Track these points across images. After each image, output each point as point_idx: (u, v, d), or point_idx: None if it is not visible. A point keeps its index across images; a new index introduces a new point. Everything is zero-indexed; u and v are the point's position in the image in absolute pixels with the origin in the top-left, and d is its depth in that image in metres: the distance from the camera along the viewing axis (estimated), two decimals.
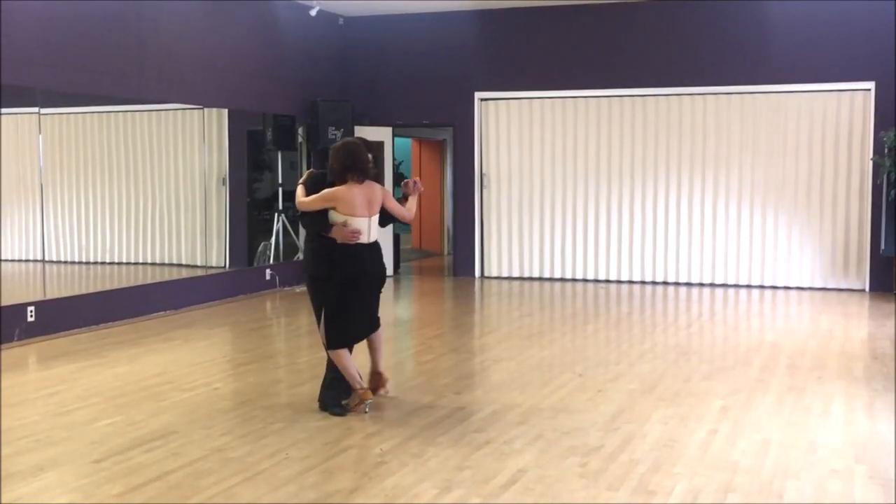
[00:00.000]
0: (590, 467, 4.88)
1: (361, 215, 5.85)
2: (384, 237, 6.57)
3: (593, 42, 12.59)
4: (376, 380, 6.20)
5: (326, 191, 5.86)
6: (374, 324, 6.15)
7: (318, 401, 6.06)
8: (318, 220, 5.90)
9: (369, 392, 5.99)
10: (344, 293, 5.89)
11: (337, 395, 5.99)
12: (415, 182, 6.25)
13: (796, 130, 11.90)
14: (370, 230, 5.93)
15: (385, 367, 6.31)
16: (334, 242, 5.86)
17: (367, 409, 5.94)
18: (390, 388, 6.27)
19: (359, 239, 5.85)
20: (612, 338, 8.85)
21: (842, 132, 11.72)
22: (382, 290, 6.23)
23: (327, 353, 6.05)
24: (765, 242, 12.11)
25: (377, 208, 5.98)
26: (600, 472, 4.81)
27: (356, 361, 6.08)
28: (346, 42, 13.56)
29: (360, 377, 6.02)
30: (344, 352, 5.96)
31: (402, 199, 6.23)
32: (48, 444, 5.31)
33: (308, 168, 12.65)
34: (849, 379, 6.96)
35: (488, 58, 13.08)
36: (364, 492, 4.54)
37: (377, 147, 6.18)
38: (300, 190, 6.02)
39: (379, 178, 6.53)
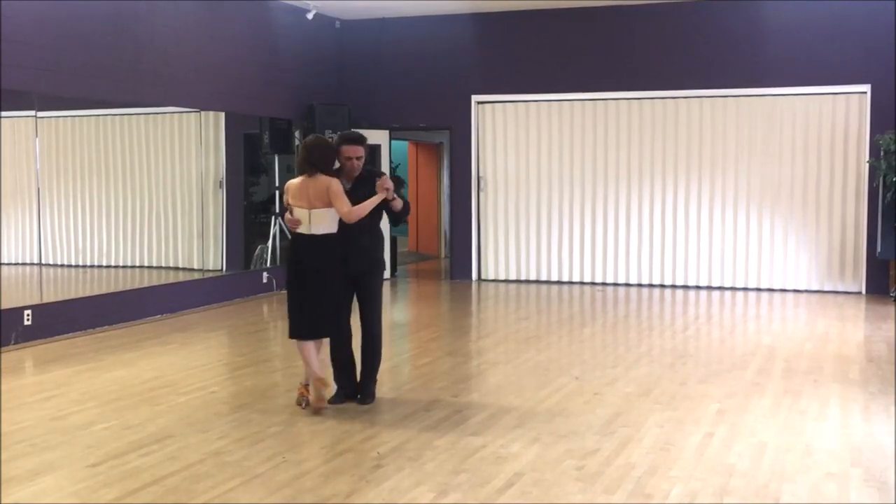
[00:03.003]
0: (586, 471, 4.89)
1: (298, 206, 6.05)
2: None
3: (589, 45, 12.61)
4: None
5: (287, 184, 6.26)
6: (314, 328, 6.13)
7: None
8: None
9: (325, 380, 6.09)
10: (289, 282, 6.19)
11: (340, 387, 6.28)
12: (384, 182, 6.09)
13: (792, 133, 11.93)
14: (311, 222, 6.03)
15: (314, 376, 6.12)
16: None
17: (304, 405, 6.12)
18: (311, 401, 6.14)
19: (297, 228, 6.09)
20: (609, 341, 8.85)
21: (837, 135, 11.74)
22: (327, 293, 6.10)
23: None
24: (761, 245, 12.13)
25: (321, 203, 6.00)
26: (597, 475, 4.82)
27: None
28: (343, 45, 13.57)
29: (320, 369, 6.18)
30: (301, 343, 6.16)
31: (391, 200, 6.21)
32: (44, 449, 5.31)
33: None
34: (845, 382, 6.97)
35: (485, 61, 13.09)
36: (361, 495, 4.54)
37: (362, 138, 6.20)
38: None
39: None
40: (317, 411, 6.04)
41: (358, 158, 6.15)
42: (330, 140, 6.33)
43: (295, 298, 6.16)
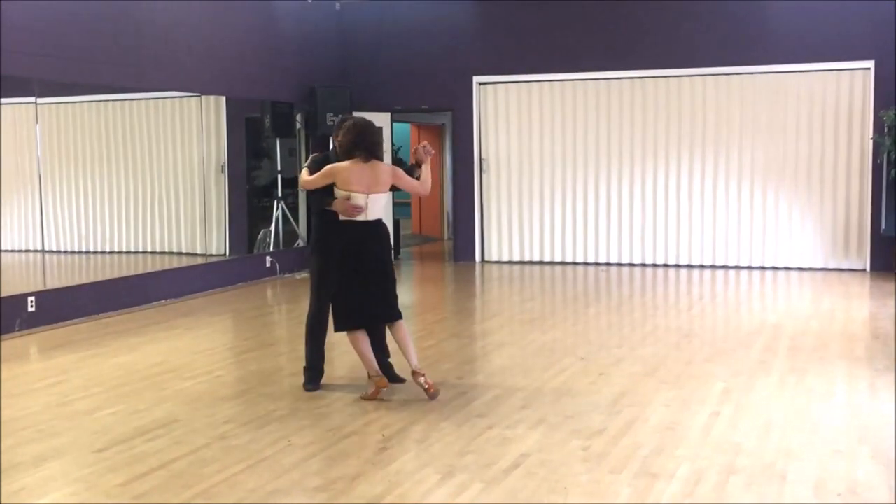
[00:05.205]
0: (592, 450, 4.88)
1: (359, 191, 5.86)
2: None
3: (592, 24, 12.54)
4: (414, 378, 5.96)
5: (327, 167, 5.93)
6: (385, 311, 6.03)
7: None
8: (322, 196, 6.00)
9: (385, 380, 5.96)
10: (345, 271, 5.92)
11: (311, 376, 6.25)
12: (424, 146, 6.21)
13: (796, 110, 11.87)
14: (368, 208, 5.91)
15: (418, 363, 6.00)
16: (337, 219, 5.92)
17: (383, 398, 5.91)
18: (430, 385, 5.90)
19: (358, 215, 5.87)
20: (614, 321, 8.84)
21: (842, 112, 11.68)
22: (390, 276, 6.12)
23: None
24: (766, 223, 12.09)
25: (381, 188, 5.93)
26: (603, 455, 4.81)
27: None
28: (344, 27, 13.50)
29: (377, 364, 6.03)
30: (357, 335, 5.96)
31: (417, 168, 6.24)
32: (50, 435, 5.31)
33: (308, 155, 12.65)
34: (850, 359, 6.96)
35: (486, 41, 13.03)
36: (367, 478, 4.54)
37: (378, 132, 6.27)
38: (304, 172, 6.08)
39: None
40: (368, 399, 5.93)
41: None
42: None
43: (356, 288, 5.91)
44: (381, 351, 6.26)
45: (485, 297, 10.81)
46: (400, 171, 6.10)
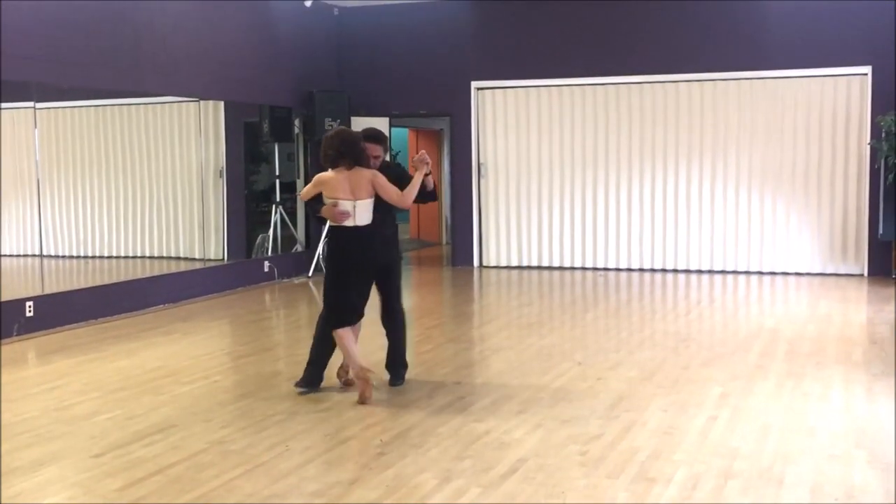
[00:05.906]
0: (590, 455, 4.89)
1: (344, 198, 6.02)
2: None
3: (590, 29, 12.56)
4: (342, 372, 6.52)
5: (315, 177, 6.19)
6: (358, 313, 6.30)
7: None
8: (316, 205, 6.24)
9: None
10: (337, 273, 6.17)
11: (311, 374, 6.32)
12: (421, 155, 6.24)
13: (793, 116, 11.88)
14: (355, 214, 6.04)
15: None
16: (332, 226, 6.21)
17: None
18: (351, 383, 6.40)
19: (345, 220, 6.05)
20: (612, 326, 8.85)
21: (839, 117, 11.69)
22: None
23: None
24: (763, 228, 12.10)
25: (363, 194, 6.05)
26: (600, 459, 4.82)
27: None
28: (342, 32, 13.52)
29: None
30: (344, 332, 6.10)
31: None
32: (48, 439, 5.31)
33: (306, 160, 12.69)
34: (848, 364, 6.96)
35: (484, 46, 13.05)
36: (364, 483, 4.54)
37: (384, 138, 6.38)
38: (311, 184, 6.30)
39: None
40: (364, 402, 5.97)
41: (375, 157, 6.27)
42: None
43: (349, 289, 6.14)
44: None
45: (482, 302, 10.81)
46: (381, 178, 6.11)
